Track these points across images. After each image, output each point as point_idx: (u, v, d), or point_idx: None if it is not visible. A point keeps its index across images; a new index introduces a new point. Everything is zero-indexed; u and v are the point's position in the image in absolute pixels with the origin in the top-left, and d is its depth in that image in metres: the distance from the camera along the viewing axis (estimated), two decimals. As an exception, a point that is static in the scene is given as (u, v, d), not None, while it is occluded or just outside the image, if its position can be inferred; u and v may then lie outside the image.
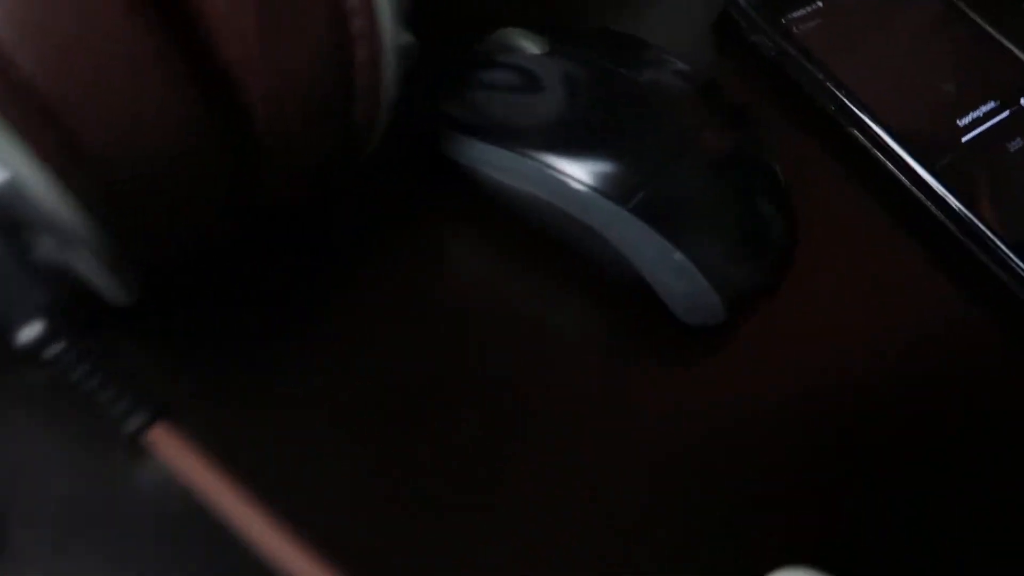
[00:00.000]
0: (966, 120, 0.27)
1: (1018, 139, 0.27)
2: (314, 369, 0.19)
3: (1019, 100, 0.28)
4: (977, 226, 0.24)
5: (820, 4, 0.28)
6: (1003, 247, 0.24)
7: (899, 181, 0.26)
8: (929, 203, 0.25)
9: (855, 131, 0.26)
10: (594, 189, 0.20)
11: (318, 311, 0.20)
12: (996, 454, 0.22)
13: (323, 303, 0.20)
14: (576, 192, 0.20)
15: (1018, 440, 0.23)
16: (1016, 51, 0.29)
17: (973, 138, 0.26)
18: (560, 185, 0.20)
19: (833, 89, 0.26)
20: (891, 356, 0.23)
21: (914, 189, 0.25)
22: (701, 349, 0.22)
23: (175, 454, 0.15)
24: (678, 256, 0.20)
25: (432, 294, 0.21)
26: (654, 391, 0.21)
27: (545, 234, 0.22)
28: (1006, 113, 0.27)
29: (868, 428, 0.22)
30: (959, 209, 0.25)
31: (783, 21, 0.28)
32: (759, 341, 0.23)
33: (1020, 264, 0.24)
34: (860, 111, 0.26)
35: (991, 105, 0.27)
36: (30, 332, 0.15)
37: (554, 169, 0.20)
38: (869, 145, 0.26)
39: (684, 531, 0.19)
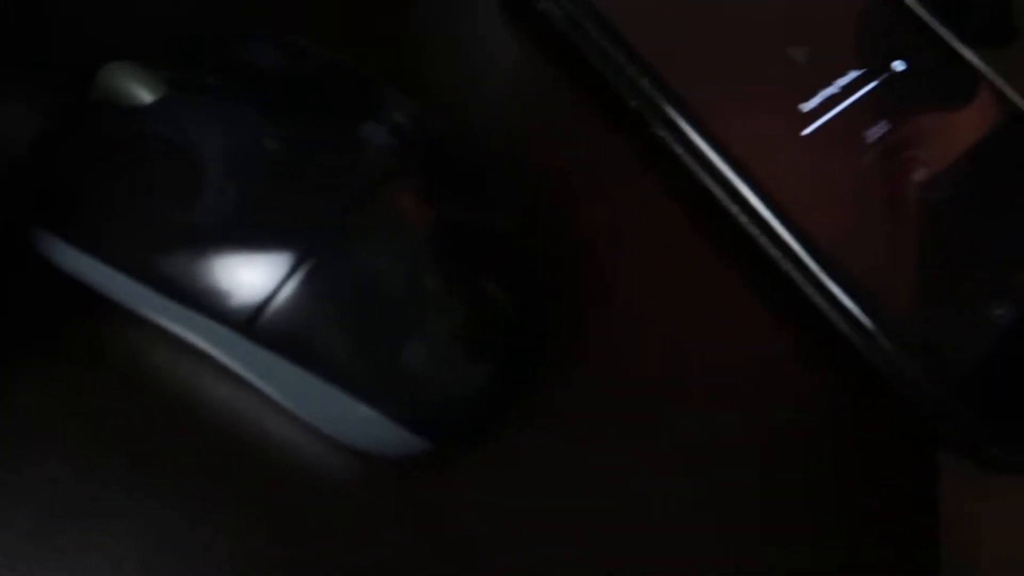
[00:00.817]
0: (814, 102, 0.20)
1: (882, 123, 0.20)
2: None
3: (890, 66, 0.21)
4: (812, 264, 0.19)
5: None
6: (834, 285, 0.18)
7: (719, 201, 0.20)
8: (756, 231, 0.19)
9: (662, 132, 0.20)
10: (202, 310, 0.14)
11: None
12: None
13: None
14: (183, 315, 0.14)
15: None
16: (896, -9, 0.22)
17: (821, 127, 0.20)
18: (163, 306, 0.15)
19: (634, 72, 0.20)
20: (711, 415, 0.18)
21: (737, 212, 0.19)
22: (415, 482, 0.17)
23: None
24: (328, 391, 0.14)
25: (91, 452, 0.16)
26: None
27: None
28: (871, 85, 0.21)
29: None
30: (787, 238, 0.19)
31: (576, -22, 0.21)
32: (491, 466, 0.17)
33: (859, 313, 0.18)
34: (668, 104, 0.20)
35: (852, 76, 0.21)
36: None
37: (146, 282, 0.14)
38: (679, 151, 0.20)
39: None
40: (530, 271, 0.17)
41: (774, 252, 0.19)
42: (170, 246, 0.14)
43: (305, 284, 0.14)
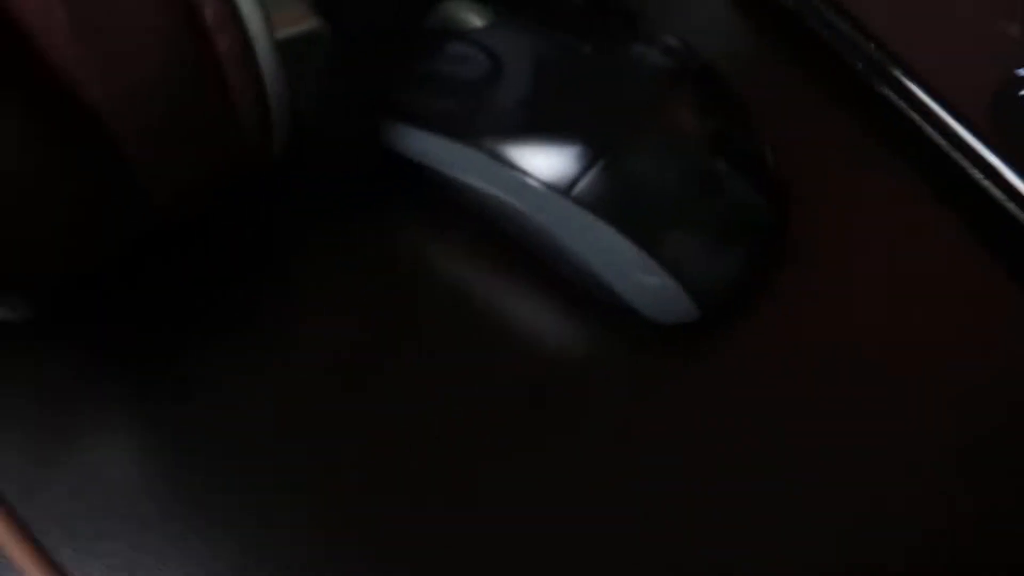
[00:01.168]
0: (1029, 69, 0.22)
1: (1097, 88, 0.22)
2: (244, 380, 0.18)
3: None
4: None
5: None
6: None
7: (937, 146, 0.22)
8: (976, 173, 0.21)
9: (886, 90, 0.22)
10: (532, 176, 0.17)
11: (248, 320, 0.19)
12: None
13: (253, 312, 0.19)
14: (513, 180, 0.18)
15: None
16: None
17: (1037, 90, 0.22)
18: (497, 173, 0.18)
19: (858, 39, 0.22)
20: (923, 360, 0.20)
21: (956, 154, 0.21)
22: (682, 353, 0.19)
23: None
24: (630, 246, 0.17)
25: (380, 303, 0.20)
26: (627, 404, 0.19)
27: (504, 236, 0.20)
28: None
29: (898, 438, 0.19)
30: (1013, 180, 0.21)
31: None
32: (749, 341, 0.20)
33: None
34: (891, 65, 0.22)
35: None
36: None
37: (488, 155, 0.18)
38: (903, 106, 0.22)
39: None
40: (777, 182, 0.19)
41: (1000, 195, 0.21)
42: (508, 129, 0.18)
43: (619, 162, 0.17)
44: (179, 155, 0.15)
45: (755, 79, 0.24)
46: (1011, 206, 0.21)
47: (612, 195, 0.17)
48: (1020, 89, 0.22)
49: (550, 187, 0.17)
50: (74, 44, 0.13)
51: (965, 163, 0.21)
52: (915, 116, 0.22)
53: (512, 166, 0.17)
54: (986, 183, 0.21)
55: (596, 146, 0.17)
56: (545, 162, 0.17)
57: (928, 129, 0.22)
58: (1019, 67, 0.22)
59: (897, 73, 0.22)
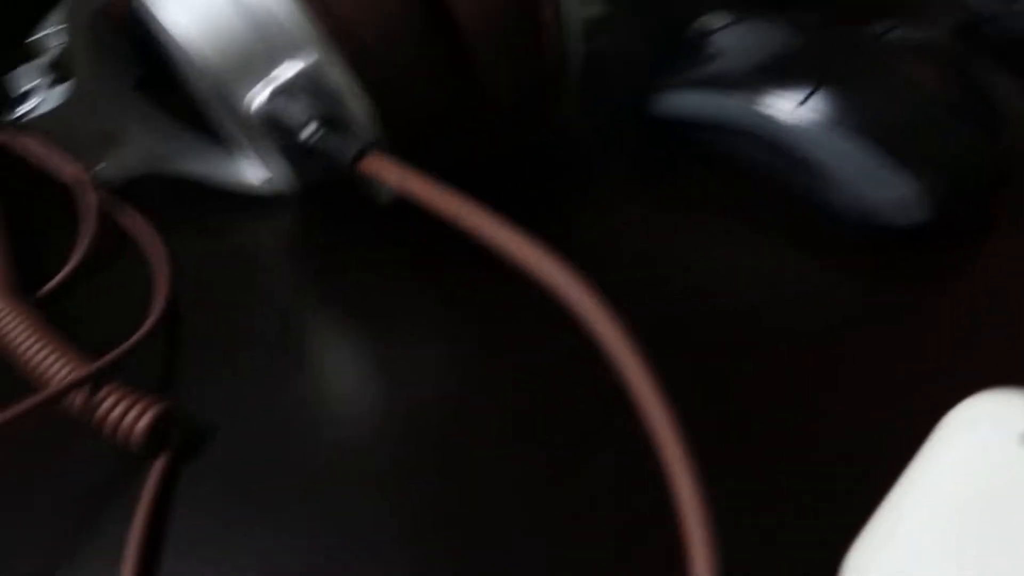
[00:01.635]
0: None
1: None
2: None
3: None
4: None
5: None
6: None
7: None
8: None
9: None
10: (788, 110, 0.24)
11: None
12: None
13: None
14: (772, 115, 0.24)
15: None
16: None
17: None
18: (761, 112, 0.24)
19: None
20: None
21: None
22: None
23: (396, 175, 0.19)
24: (876, 151, 0.22)
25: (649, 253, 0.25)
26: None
27: (756, 175, 0.26)
28: None
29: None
30: None
31: None
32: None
33: None
34: None
35: None
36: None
37: (755, 100, 0.24)
38: None
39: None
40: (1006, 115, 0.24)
41: None
42: (773, 78, 0.25)
43: (852, 89, 0.23)
44: (504, 61, 0.22)
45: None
46: None
47: (859, 111, 0.23)
48: None
49: (802, 113, 0.24)
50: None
51: None
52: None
53: (774, 105, 0.24)
54: None
55: (828, 79, 0.24)
56: (795, 98, 0.24)
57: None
58: None
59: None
